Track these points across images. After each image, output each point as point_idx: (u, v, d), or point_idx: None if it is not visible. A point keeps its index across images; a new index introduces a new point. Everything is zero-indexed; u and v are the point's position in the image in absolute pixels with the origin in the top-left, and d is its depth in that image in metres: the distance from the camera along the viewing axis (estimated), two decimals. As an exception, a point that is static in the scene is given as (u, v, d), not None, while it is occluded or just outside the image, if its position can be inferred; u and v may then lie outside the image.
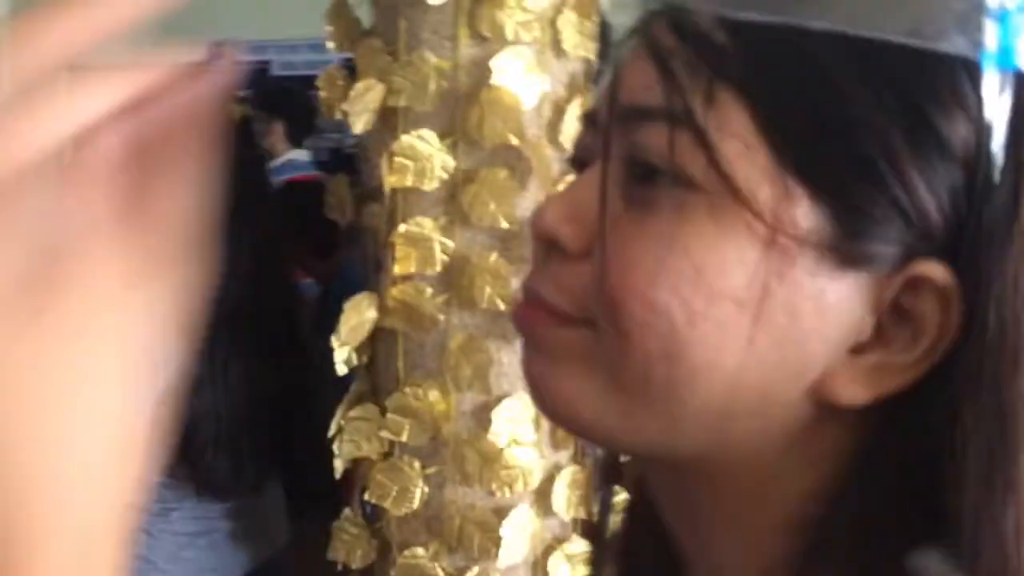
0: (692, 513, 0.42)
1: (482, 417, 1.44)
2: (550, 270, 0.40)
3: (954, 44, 0.34)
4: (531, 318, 0.40)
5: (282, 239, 1.84)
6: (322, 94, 1.50)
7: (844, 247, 0.35)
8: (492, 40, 1.38)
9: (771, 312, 0.35)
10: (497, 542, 1.45)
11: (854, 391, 0.36)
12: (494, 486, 1.44)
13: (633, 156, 0.37)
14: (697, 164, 0.35)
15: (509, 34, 1.38)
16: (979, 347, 0.34)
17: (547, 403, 0.40)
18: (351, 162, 3.54)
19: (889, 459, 0.36)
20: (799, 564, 0.37)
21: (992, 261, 0.33)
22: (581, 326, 0.38)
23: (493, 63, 1.37)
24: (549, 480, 1.48)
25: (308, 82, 4.21)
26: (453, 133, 1.40)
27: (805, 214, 0.35)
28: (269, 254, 1.68)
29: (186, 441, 1.63)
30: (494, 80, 1.37)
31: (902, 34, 0.34)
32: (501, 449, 1.43)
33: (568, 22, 1.43)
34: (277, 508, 1.83)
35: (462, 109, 1.40)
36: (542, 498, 1.48)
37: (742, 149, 0.35)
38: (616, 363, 0.37)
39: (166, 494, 1.66)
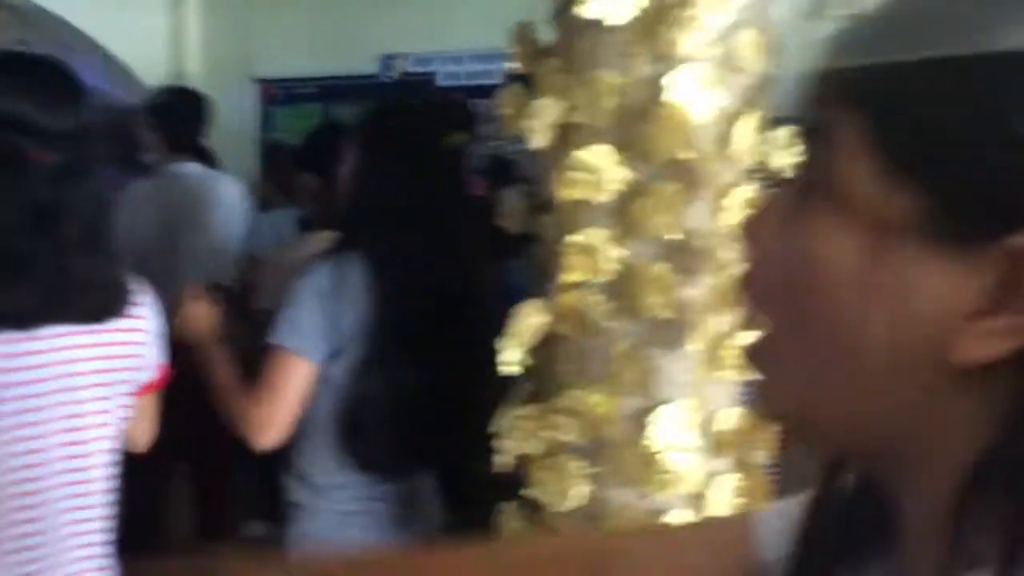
0: (887, 481, 0.49)
1: (641, 421, 1.49)
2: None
3: (1014, 42, 0.39)
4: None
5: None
6: (504, 110, 1.58)
7: (941, 231, 0.41)
8: (668, 58, 1.43)
9: (883, 291, 0.42)
10: (652, 544, 1.49)
11: (980, 350, 0.41)
12: (649, 489, 1.49)
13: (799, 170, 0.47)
14: (823, 171, 0.44)
15: (684, 52, 1.43)
16: None
17: (770, 401, 0.49)
18: (509, 169, 3.63)
19: None
20: (965, 508, 0.43)
21: None
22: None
23: (666, 80, 1.42)
24: (707, 486, 1.51)
25: (472, 92, 4.33)
26: (625, 148, 1.46)
27: (905, 207, 0.42)
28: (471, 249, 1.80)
29: (351, 420, 1.74)
30: (666, 97, 1.42)
31: (971, 49, 0.40)
32: (658, 453, 1.48)
33: (745, 38, 1.46)
34: (432, 497, 1.92)
35: (636, 125, 1.45)
36: (699, 503, 1.52)
37: (853, 157, 0.43)
38: (796, 340, 0.46)
39: (328, 472, 1.77)
